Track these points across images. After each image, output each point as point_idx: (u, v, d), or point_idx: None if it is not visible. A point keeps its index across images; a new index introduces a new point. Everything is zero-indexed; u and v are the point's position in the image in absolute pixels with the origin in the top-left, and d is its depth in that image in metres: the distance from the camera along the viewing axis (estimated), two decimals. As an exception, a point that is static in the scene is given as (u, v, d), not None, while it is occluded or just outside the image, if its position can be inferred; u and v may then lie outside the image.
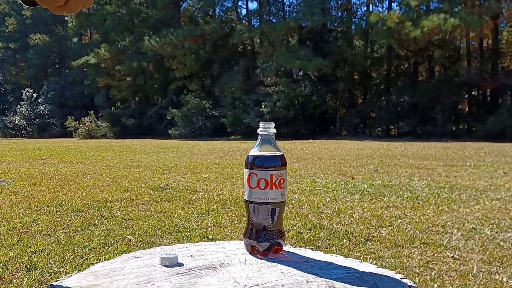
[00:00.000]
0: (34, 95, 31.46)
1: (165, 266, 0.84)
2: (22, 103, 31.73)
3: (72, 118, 27.78)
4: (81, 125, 26.72)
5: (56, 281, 0.77)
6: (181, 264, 0.85)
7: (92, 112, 27.30)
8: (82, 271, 0.82)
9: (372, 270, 0.81)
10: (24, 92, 31.76)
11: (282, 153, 0.92)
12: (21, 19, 34.86)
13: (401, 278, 0.76)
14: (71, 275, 0.79)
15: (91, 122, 26.83)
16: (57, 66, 36.76)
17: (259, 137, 0.92)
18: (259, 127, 0.93)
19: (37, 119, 30.75)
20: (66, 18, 31.14)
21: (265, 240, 0.90)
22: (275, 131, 0.93)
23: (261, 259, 0.88)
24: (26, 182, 5.41)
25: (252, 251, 0.92)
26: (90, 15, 30.39)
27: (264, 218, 0.90)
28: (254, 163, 0.90)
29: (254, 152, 0.91)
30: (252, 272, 0.80)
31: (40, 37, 33.95)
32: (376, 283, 0.74)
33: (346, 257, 0.91)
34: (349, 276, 0.78)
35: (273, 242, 0.91)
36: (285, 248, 0.94)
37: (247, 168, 0.91)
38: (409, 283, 0.74)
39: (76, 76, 32.26)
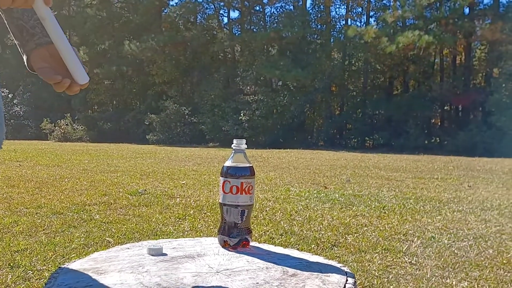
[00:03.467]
0: (10, 95, 30.92)
1: (152, 255, 1.02)
2: (-4, 103, 31.13)
3: (48, 120, 27.41)
4: (56, 128, 26.38)
5: (63, 264, 0.93)
6: (165, 254, 1.03)
7: (69, 115, 27.00)
8: (83, 257, 0.99)
9: (320, 261, 1.01)
10: (-1, 92, 31.15)
11: (251, 165, 1.12)
12: (-1, 18, 34.34)
13: (340, 267, 0.97)
14: (75, 261, 0.96)
15: (67, 125, 26.52)
16: (34, 67, 36.25)
17: (233, 150, 1.12)
18: (233, 143, 1.12)
19: (12, 120, 30.20)
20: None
21: (236, 236, 1.09)
22: (246, 146, 1.13)
23: (231, 251, 1.07)
24: (4, 184, 5.46)
25: (224, 245, 1.11)
26: (70, 17, 30.20)
27: (235, 218, 1.09)
28: (228, 172, 1.10)
29: (228, 163, 1.11)
30: (224, 260, 1.00)
31: (18, 37, 33.47)
32: (320, 269, 0.94)
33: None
34: (300, 264, 0.98)
35: (242, 238, 1.10)
36: (252, 243, 1.14)
37: (222, 176, 1.11)
38: (345, 270, 0.94)
39: (53, 78, 31.88)
